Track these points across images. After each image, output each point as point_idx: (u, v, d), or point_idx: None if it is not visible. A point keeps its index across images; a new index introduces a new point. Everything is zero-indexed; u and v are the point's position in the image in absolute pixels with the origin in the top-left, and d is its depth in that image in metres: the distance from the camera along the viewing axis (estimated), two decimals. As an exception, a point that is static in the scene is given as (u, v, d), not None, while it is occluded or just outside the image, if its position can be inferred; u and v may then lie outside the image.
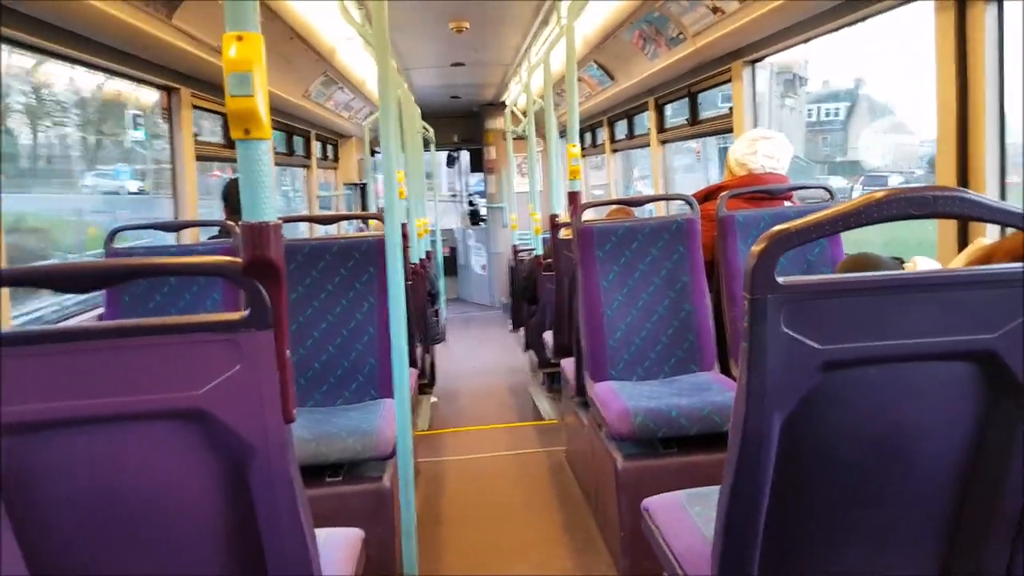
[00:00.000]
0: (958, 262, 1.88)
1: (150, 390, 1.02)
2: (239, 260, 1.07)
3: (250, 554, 1.09)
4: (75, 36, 2.51)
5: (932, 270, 1.60)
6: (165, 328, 1.02)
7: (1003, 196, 2.16)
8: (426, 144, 8.04)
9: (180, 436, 1.05)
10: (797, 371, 1.02)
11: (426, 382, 4.86)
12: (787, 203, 2.91)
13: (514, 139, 7.92)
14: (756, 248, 1.00)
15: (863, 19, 2.73)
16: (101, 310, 2.77)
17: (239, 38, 1.09)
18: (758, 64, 3.63)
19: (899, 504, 1.13)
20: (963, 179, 2.19)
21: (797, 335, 1.00)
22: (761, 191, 2.79)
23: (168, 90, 3.45)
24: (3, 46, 2.34)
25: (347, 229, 6.92)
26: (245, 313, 1.03)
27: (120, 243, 2.78)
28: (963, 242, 2.21)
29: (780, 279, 0.99)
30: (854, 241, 2.73)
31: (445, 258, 9.39)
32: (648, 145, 5.25)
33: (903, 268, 2.01)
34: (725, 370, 2.69)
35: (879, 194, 0.99)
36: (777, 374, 1.01)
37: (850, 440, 1.09)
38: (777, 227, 1.00)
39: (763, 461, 1.06)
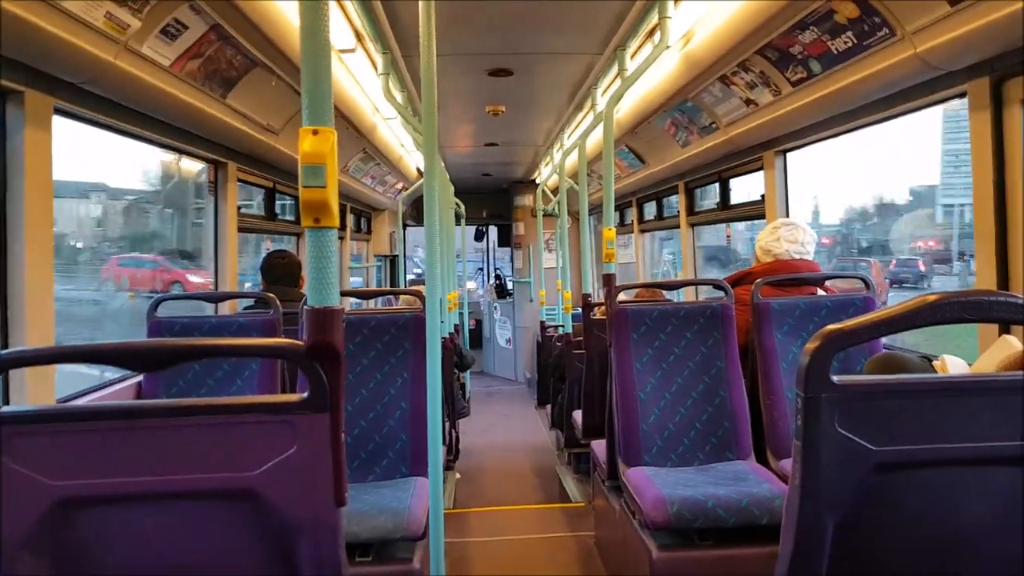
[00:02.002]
0: (990, 359, 1.86)
1: (205, 469, 1.03)
2: (299, 344, 1.09)
3: None
4: (133, 112, 2.61)
5: (986, 374, 1.59)
6: (225, 408, 1.05)
7: None
8: (457, 219, 8.19)
9: (231, 515, 1.05)
10: (851, 471, 1.01)
11: (451, 457, 4.81)
12: (820, 291, 2.92)
13: (543, 216, 8.05)
14: (810, 346, 1.01)
15: (894, 117, 2.80)
16: (139, 378, 2.81)
17: (315, 132, 1.13)
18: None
19: None
20: (1003, 280, 2.20)
21: (851, 435, 1.00)
22: (796, 279, 2.81)
23: (216, 164, 3.58)
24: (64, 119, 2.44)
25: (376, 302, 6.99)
26: (304, 395, 1.04)
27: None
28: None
29: (834, 378, 1.00)
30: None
31: (470, 331, 9.41)
32: (677, 227, 5.32)
33: (932, 367, 1.99)
34: (761, 459, 2.65)
35: (932, 297, 1.00)
36: (831, 474, 1.01)
37: (905, 544, 1.07)
38: (832, 326, 1.02)
39: (816, 562, 1.04)
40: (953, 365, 2.03)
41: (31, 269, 2.11)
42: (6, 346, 2.11)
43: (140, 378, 2.79)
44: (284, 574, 1.07)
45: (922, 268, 14.15)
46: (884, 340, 2.68)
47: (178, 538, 1.06)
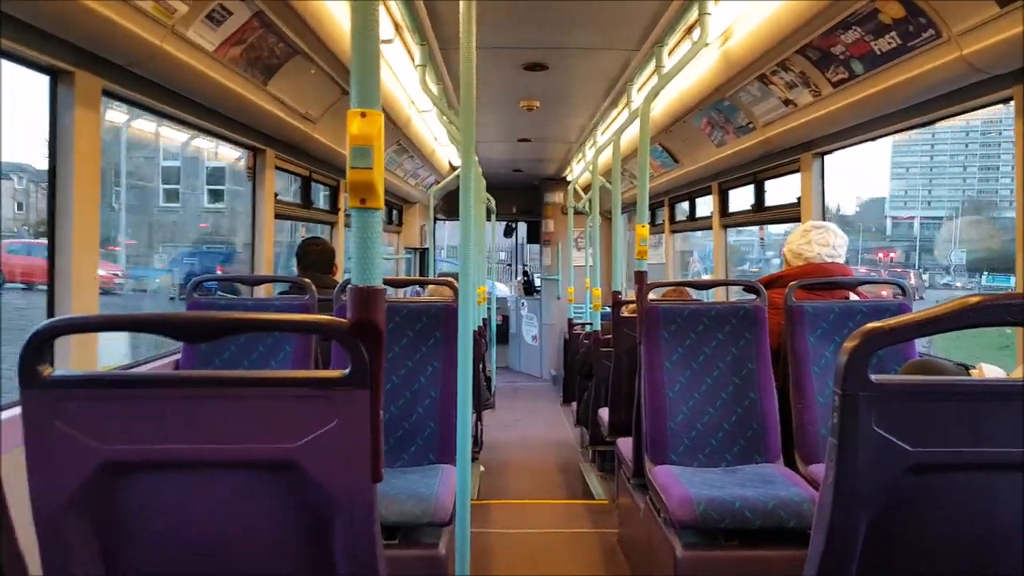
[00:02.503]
0: None
1: (247, 439, 1.05)
2: (344, 321, 1.10)
3: None
4: (174, 94, 2.66)
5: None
6: (269, 381, 1.07)
7: None
8: (488, 214, 8.22)
9: (271, 486, 1.07)
10: (886, 471, 1.00)
11: (475, 449, 4.83)
12: (852, 295, 2.88)
13: (574, 214, 8.04)
14: (849, 344, 1.01)
15: (937, 120, 2.75)
16: (177, 356, 2.87)
17: (363, 114, 1.14)
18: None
19: None
20: None
21: (887, 435, 0.99)
22: (831, 283, 2.78)
23: (255, 151, 3.63)
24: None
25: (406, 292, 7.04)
26: (345, 371, 1.06)
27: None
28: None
29: (873, 377, 0.99)
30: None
31: (497, 326, 9.43)
32: (710, 228, 5.28)
33: (968, 375, 1.97)
34: (790, 462, 2.63)
35: (974, 299, 0.99)
36: (865, 473, 1.00)
37: (938, 546, 1.06)
38: (873, 324, 1.01)
39: (847, 561, 1.03)
40: (990, 373, 2.00)
41: (78, 244, 2.19)
42: (53, 316, 2.18)
43: (178, 356, 2.86)
44: (320, 546, 1.09)
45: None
46: (919, 347, 2.65)
47: (218, 506, 1.08)
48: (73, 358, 2.17)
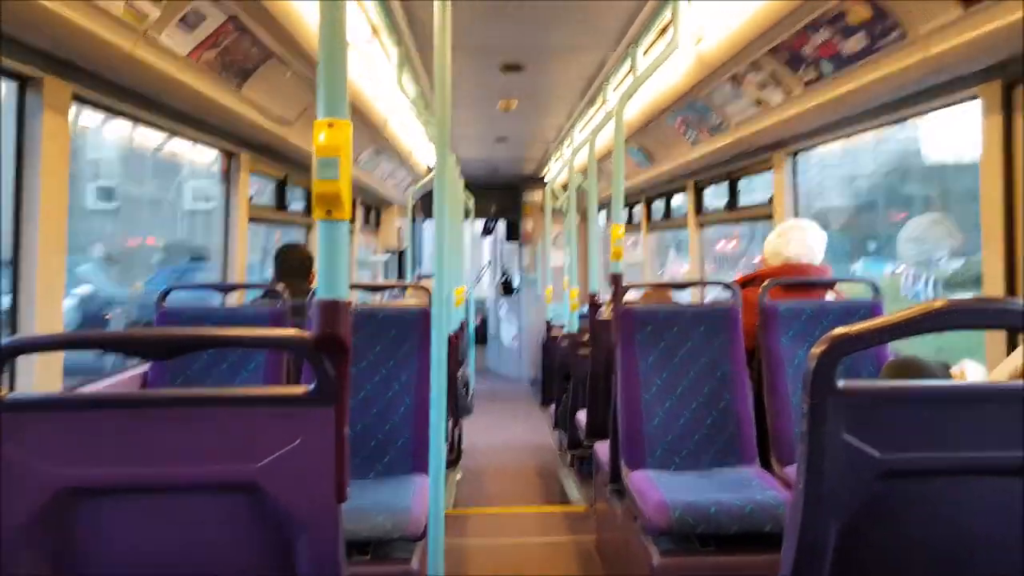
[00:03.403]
0: (1008, 366, 1.85)
1: (209, 460, 1.03)
2: (307, 335, 1.08)
3: None
4: (147, 99, 2.62)
5: (997, 383, 1.57)
6: (231, 400, 1.04)
7: None
8: (466, 213, 8.20)
9: (233, 508, 1.05)
10: (856, 479, 1.00)
11: (453, 456, 4.80)
12: (829, 294, 2.90)
13: (552, 213, 8.04)
14: (816, 350, 1.00)
15: (904, 119, 2.78)
16: (145, 368, 2.82)
17: (330, 124, 1.13)
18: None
19: None
20: (1010, 285, 2.18)
21: (857, 441, 0.99)
22: (805, 282, 2.79)
23: (229, 154, 3.58)
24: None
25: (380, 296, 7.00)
26: (310, 388, 1.03)
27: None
28: (1012, 344, 2.18)
29: (840, 383, 0.99)
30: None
31: (475, 327, 9.40)
32: (685, 227, 5.30)
33: (950, 373, 1.98)
34: (766, 464, 2.63)
35: (939, 304, 0.99)
36: (835, 481, 1.00)
37: (911, 553, 1.06)
38: (838, 330, 1.00)
39: (819, 569, 1.03)
40: (973, 372, 2.01)
41: (43, 256, 2.13)
42: (15, 332, 2.13)
43: (146, 368, 2.80)
44: (282, 569, 1.06)
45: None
46: (891, 346, 2.66)
47: (179, 529, 1.05)
48: (36, 374, 2.10)
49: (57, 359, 2.22)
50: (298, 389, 1.04)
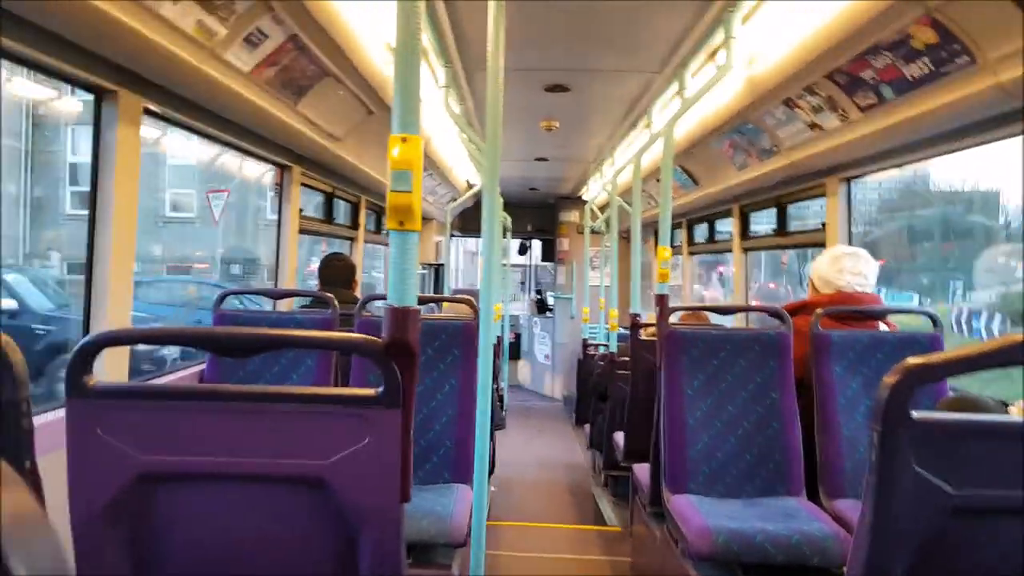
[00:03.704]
0: None
1: (280, 454, 1.06)
2: (379, 340, 1.11)
3: None
4: (212, 114, 2.72)
5: None
6: (306, 397, 1.07)
7: None
8: (503, 232, 8.24)
9: (300, 502, 1.08)
10: (926, 513, 0.96)
11: (489, 468, 4.78)
12: (882, 325, 2.83)
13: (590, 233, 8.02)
14: (890, 379, 0.97)
15: (969, 147, 2.71)
16: (202, 366, 2.88)
17: (404, 139, 1.17)
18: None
19: None
20: None
21: (929, 475, 0.95)
22: (859, 312, 2.72)
23: (282, 167, 3.66)
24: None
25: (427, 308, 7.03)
26: (379, 390, 1.07)
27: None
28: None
29: (914, 414, 0.95)
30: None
31: (510, 344, 9.42)
32: (729, 250, 5.23)
33: (1007, 411, 1.91)
34: (813, 496, 2.56)
35: (1020, 337, 0.95)
36: (904, 515, 0.96)
37: None
38: (916, 359, 0.97)
39: None
40: None
41: (116, 258, 2.23)
42: (87, 329, 2.23)
43: (202, 366, 2.87)
44: (347, 563, 1.09)
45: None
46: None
47: (248, 519, 1.09)
48: (105, 368, 2.19)
49: (124, 355, 2.32)
50: (367, 391, 1.07)
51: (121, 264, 2.25)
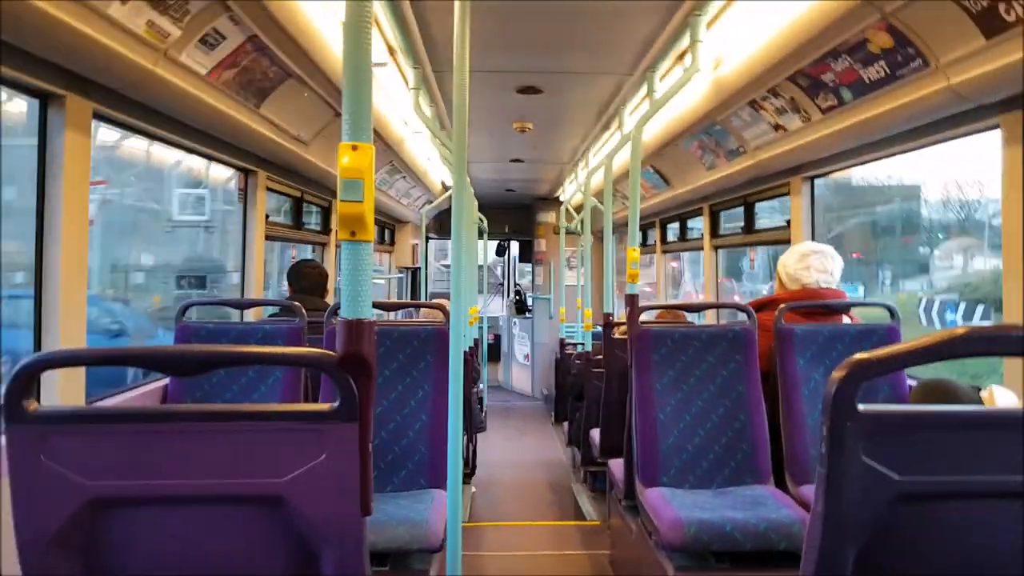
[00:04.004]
0: None
1: (234, 474, 1.04)
2: (333, 354, 1.09)
3: None
4: (168, 118, 2.65)
5: (1017, 409, 1.58)
6: (257, 415, 1.06)
7: None
8: (480, 234, 8.26)
9: (258, 520, 1.06)
10: (874, 501, 1.01)
11: (468, 471, 4.81)
12: (846, 319, 2.91)
13: (565, 233, 8.08)
14: (837, 374, 1.01)
15: (924, 147, 2.79)
16: (165, 381, 2.84)
17: (354, 147, 1.14)
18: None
19: None
20: None
21: (876, 464, 1.00)
22: (821, 306, 2.80)
23: (246, 172, 3.62)
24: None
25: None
26: (335, 405, 1.05)
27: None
28: (1032, 372, 2.18)
29: (860, 407, 1.00)
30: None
31: (489, 345, 9.43)
32: (700, 248, 5.31)
33: (980, 397, 1.97)
34: (780, 484, 2.63)
35: (960, 330, 1.00)
36: (853, 504, 1.01)
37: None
38: (859, 356, 1.02)
39: None
40: (1002, 396, 2.00)
41: (66, 270, 2.14)
42: (39, 346, 2.14)
43: (166, 381, 2.82)
44: None
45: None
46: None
47: (205, 541, 1.07)
48: (60, 388, 2.12)
49: (80, 374, 2.24)
50: (323, 406, 1.06)
51: (73, 278, 2.17)
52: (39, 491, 1.01)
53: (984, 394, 1.92)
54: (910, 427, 1.01)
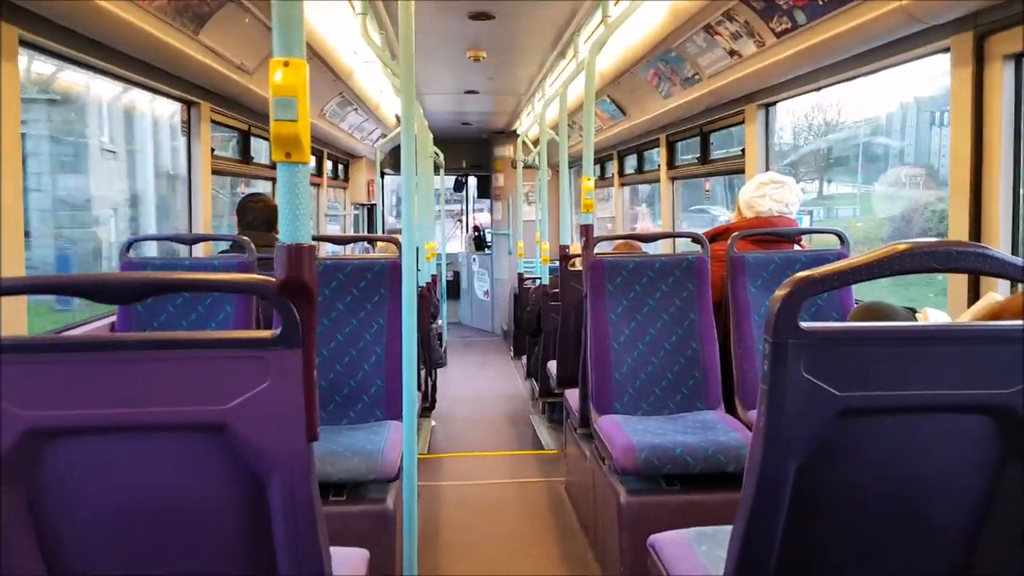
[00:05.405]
0: (969, 315, 1.89)
1: (178, 402, 1.03)
2: (273, 280, 1.08)
3: (264, 570, 1.10)
4: (99, 45, 2.53)
5: (953, 323, 1.61)
6: (199, 342, 1.04)
7: (1015, 251, 2.19)
8: (436, 168, 8.12)
9: (203, 449, 1.06)
10: (814, 417, 1.03)
11: (427, 405, 4.85)
12: (796, 246, 2.94)
13: (523, 168, 7.98)
14: (780, 293, 1.01)
15: (877, 71, 2.78)
16: (112, 318, 2.78)
17: (285, 63, 1.10)
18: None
19: (910, 554, 1.14)
20: (975, 233, 2.22)
21: (816, 380, 1.01)
22: (771, 233, 2.82)
23: (188, 104, 3.48)
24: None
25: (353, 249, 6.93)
26: (276, 332, 1.04)
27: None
28: (974, 294, 2.23)
29: (802, 324, 1.01)
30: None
31: (448, 282, 9.40)
32: (657, 180, 5.30)
33: (915, 318, 2.02)
34: (730, 409, 2.70)
35: (902, 246, 1.00)
36: (795, 418, 1.03)
37: (864, 488, 1.10)
38: (802, 273, 1.02)
39: (777, 505, 1.06)
40: (935, 317, 2.06)
41: (4, 202, 2.08)
42: None
43: (113, 318, 2.77)
44: (255, 508, 1.08)
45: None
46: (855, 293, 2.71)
47: (151, 470, 1.07)
48: (4, 321, 2.08)
49: (21, 304, 2.20)
50: (264, 333, 1.05)
51: (10, 210, 2.11)
52: None
53: (919, 315, 1.96)
54: (849, 343, 1.02)
